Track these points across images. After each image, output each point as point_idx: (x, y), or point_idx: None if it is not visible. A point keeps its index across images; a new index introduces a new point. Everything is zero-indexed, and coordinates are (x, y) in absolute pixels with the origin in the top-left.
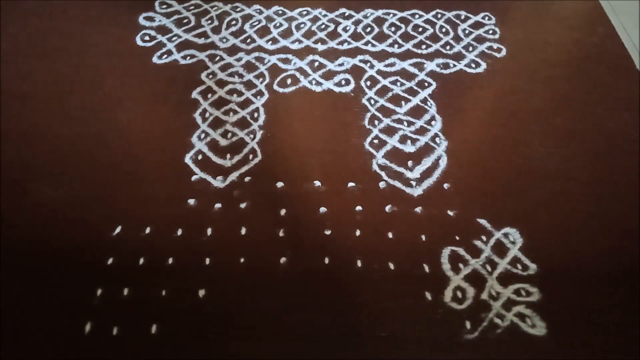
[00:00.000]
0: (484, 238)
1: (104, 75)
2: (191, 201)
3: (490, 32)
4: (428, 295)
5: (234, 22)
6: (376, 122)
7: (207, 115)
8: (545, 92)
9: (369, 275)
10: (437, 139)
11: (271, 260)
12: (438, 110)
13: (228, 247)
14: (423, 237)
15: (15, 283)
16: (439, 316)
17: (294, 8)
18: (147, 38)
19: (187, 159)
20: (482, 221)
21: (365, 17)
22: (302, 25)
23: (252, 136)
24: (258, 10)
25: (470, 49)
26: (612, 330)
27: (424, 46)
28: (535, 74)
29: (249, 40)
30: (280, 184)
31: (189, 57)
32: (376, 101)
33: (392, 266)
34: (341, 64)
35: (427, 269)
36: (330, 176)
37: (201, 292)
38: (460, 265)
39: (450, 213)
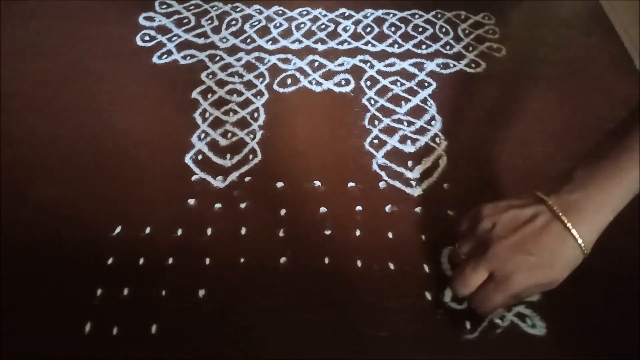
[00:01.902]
0: None
1: (104, 75)
2: (191, 201)
3: (490, 32)
4: (428, 295)
5: (234, 22)
6: (376, 122)
7: (207, 115)
8: (545, 92)
9: (369, 275)
10: (437, 139)
11: (271, 260)
12: (438, 110)
13: (228, 247)
14: (423, 237)
15: (15, 283)
16: (439, 316)
17: (294, 8)
18: (147, 38)
19: (187, 159)
20: None
21: (365, 17)
22: (302, 25)
23: (252, 136)
24: (258, 10)
25: (470, 49)
26: (612, 330)
27: (424, 46)
28: (535, 74)
29: (249, 40)
30: (280, 184)
31: (189, 57)
32: (376, 101)
33: (392, 266)
34: (341, 64)
35: (427, 269)
36: (330, 176)
37: (201, 292)
38: None
39: (450, 213)
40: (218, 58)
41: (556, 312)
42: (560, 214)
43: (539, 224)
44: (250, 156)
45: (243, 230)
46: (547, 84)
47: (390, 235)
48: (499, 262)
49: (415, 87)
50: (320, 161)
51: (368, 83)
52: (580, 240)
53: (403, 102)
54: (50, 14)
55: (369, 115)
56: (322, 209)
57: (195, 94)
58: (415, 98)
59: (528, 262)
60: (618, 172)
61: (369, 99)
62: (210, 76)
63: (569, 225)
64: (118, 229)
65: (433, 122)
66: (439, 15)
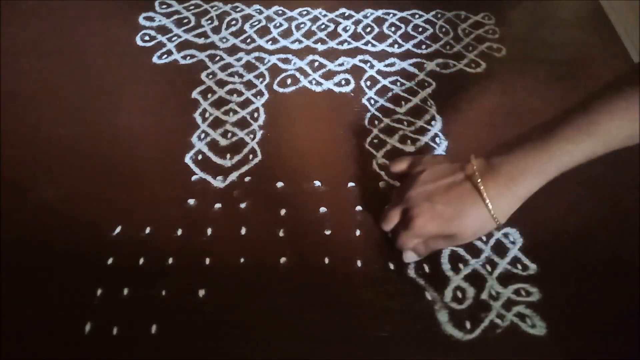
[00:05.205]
0: (483, 238)
1: (104, 75)
2: (191, 201)
3: (490, 32)
4: (428, 295)
5: (234, 22)
6: (376, 122)
7: (207, 115)
8: (545, 92)
9: (369, 275)
10: (437, 139)
11: (271, 260)
12: (438, 110)
13: (228, 247)
14: None
15: (15, 283)
16: (438, 314)
17: (294, 8)
18: (147, 38)
19: (187, 159)
20: None
21: (365, 17)
22: (302, 25)
23: (252, 136)
24: (258, 10)
25: (470, 48)
26: (612, 330)
27: (424, 46)
28: (535, 74)
29: (249, 40)
30: (280, 184)
31: (189, 57)
32: (376, 101)
33: (392, 266)
34: (341, 64)
35: (427, 269)
36: (330, 176)
37: (201, 292)
38: (460, 265)
39: None
40: (218, 58)
41: (556, 312)
42: (476, 174)
43: (456, 179)
44: (250, 156)
45: (243, 230)
46: (547, 84)
47: (390, 235)
48: (410, 204)
49: (415, 87)
50: (320, 161)
51: (368, 83)
52: (488, 202)
53: (403, 102)
54: (50, 14)
55: (369, 115)
56: (322, 209)
57: (195, 94)
58: (415, 98)
59: (432, 209)
60: (542, 147)
61: (369, 99)
62: (210, 76)
63: (479, 184)
64: (118, 229)
65: (433, 122)
66: (439, 15)
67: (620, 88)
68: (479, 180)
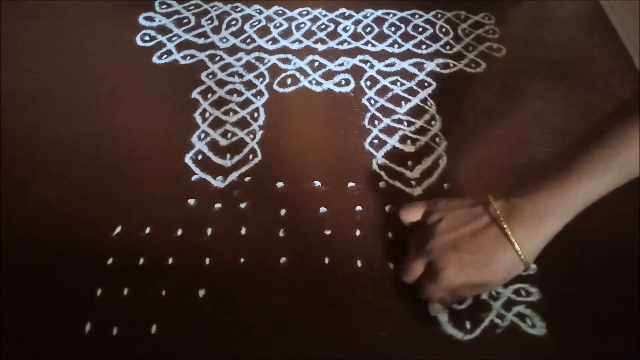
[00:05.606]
0: None
1: (104, 75)
2: (191, 201)
3: (490, 32)
4: None
5: (234, 22)
6: (376, 122)
7: (207, 115)
8: (545, 92)
9: (369, 275)
10: (437, 139)
11: (271, 260)
12: (438, 110)
13: (228, 247)
14: None
15: (15, 283)
16: (439, 316)
17: (294, 8)
18: (147, 38)
19: (187, 159)
20: None
21: (365, 17)
22: (302, 25)
23: (252, 136)
24: (258, 10)
25: (470, 48)
26: (612, 330)
27: (424, 46)
28: (535, 74)
29: (249, 40)
30: (280, 184)
31: (189, 57)
32: (376, 101)
33: (392, 266)
34: (341, 64)
35: None
36: (330, 176)
37: (201, 292)
38: None
39: None
40: (218, 58)
41: (556, 312)
42: (501, 218)
43: (479, 225)
44: (250, 156)
45: (243, 230)
46: (547, 84)
47: (390, 235)
48: (434, 256)
49: (415, 87)
50: (320, 161)
51: (368, 83)
52: (517, 246)
53: (403, 102)
54: (50, 14)
55: (369, 115)
56: (322, 209)
57: (195, 94)
58: (415, 98)
59: (460, 259)
60: (564, 185)
61: (369, 99)
62: (210, 76)
63: (506, 229)
64: (118, 229)
65: (433, 122)
66: (439, 15)
67: (630, 115)
68: (504, 224)
